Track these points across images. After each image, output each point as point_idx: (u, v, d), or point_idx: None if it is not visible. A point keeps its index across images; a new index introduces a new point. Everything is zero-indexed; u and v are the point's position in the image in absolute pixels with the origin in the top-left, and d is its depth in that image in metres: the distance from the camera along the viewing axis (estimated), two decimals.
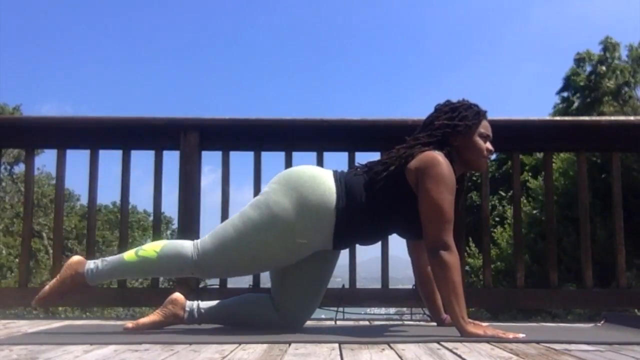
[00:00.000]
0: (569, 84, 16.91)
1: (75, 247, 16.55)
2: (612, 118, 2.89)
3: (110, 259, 1.93)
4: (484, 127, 1.97)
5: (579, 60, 16.85)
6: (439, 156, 1.83)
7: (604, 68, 15.85)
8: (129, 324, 1.92)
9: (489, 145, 1.98)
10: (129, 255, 1.92)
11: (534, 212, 10.93)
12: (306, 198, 1.83)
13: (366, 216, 1.86)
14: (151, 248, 1.90)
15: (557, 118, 3.20)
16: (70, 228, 15.88)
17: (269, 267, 1.98)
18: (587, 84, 16.17)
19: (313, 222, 1.83)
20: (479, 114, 1.96)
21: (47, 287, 1.93)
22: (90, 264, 1.92)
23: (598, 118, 2.89)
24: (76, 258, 1.94)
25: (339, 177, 1.90)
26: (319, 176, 1.88)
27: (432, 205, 1.78)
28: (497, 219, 13.28)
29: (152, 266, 1.90)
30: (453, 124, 1.91)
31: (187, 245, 1.90)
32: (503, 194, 15.12)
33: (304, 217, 1.82)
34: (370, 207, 1.86)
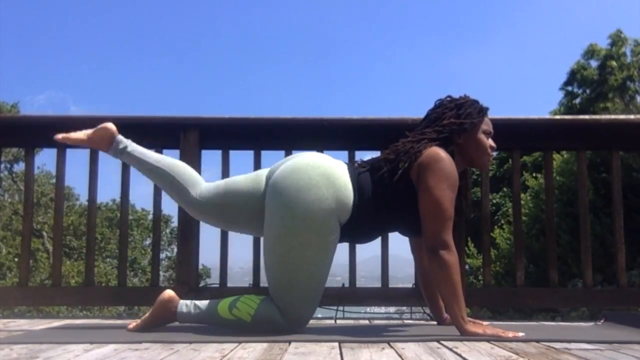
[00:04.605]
0: (574, 77, 16.50)
1: (73, 244, 16.57)
2: (612, 117, 2.88)
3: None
4: (487, 124, 1.97)
5: (587, 54, 16.40)
6: (441, 152, 1.83)
7: (614, 63, 15.40)
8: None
9: (491, 142, 1.98)
10: (222, 307, 1.85)
11: (533, 209, 10.90)
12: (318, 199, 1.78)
13: (372, 213, 1.86)
14: (246, 310, 1.83)
15: (557, 117, 3.19)
16: (67, 224, 15.88)
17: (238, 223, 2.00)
18: (594, 78, 15.80)
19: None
20: (482, 111, 1.96)
21: None
22: None
23: (598, 117, 2.88)
24: None
25: (351, 172, 1.88)
26: (334, 174, 1.83)
27: (433, 202, 1.77)
28: (506, 216, 13.15)
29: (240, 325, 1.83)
30: (460, 121, 1.90)
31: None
32: (506, 189, 15.06)
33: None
34: (376, 204, 1.85)
